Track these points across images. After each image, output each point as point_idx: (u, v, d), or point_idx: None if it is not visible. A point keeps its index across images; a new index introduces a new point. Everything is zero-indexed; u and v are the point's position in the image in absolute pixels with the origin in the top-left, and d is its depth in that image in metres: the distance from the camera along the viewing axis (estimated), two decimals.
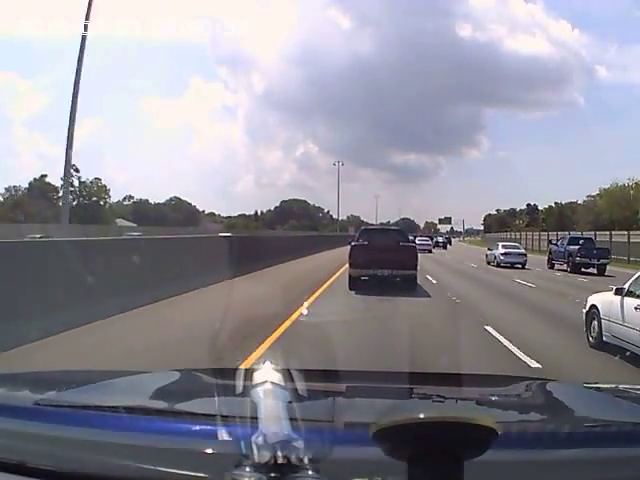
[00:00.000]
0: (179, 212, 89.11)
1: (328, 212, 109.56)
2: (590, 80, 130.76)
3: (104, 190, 70.17)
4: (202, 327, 7.24)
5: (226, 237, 20.35)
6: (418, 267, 14.23)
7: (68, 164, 14.44)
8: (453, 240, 79.97)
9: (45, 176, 67.17)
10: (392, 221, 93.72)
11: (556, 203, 72.12)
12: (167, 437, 1.11)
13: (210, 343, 5.50)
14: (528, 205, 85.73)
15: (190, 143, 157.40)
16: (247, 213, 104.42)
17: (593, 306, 7.58)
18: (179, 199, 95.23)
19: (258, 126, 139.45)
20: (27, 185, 67.37)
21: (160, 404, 1.51)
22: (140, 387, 1.74)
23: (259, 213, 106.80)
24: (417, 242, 23.83)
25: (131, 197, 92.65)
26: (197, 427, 1.16)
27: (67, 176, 14.25)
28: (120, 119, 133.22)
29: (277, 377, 1.04)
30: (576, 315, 8.36)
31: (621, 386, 1.90)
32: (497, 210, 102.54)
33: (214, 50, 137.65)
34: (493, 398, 1.81)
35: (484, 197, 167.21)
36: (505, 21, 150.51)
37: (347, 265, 14.44)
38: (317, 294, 12.49)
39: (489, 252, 28.52)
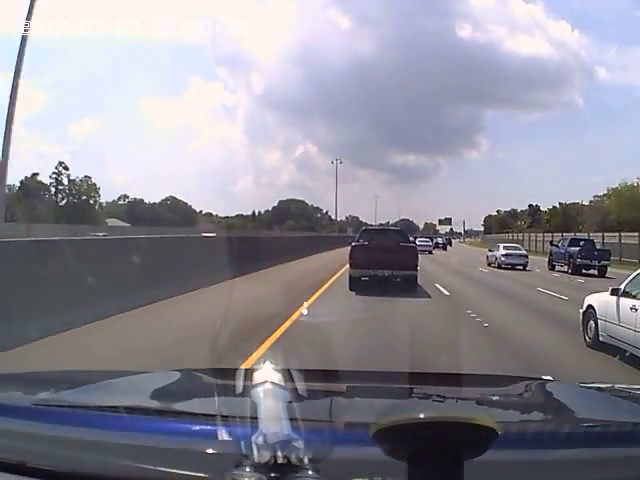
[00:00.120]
0: (175, 212, 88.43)
1: (327, 213, 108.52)
2: (590, 81, 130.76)
3: (94, 189, 68.95)
4: (204, 326, 7.26)
5: (209, 237, 20.07)
6: (426, 274, 14.10)
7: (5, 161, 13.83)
8: (453, 241, 79.90)
9: (37, 174, 66.48)
10: (391, 222, 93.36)
11: (560, 204, 70.96)
12: (167, 437, 1.11)
13: (211, 342, 5.52)
14: (530, 206, 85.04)
15: (189, 143, 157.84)
16: (245, 213, 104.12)
17: (590, 306, 7.67)
18: (175, 199, 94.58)
19: (257, 126, 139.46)
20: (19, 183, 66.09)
21: (160, 404, 1.51)
22: (140, 387, 1.74)
23: (257, 213, 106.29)
24: (418, 243, 23.82)
25: (126, 197, 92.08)
26: (197, 427, 1.16)
27: (3, 169, 13.47)
28: (119, 119, 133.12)
29: (277, 377, 1.04)
30: None
31: (619, 386, 1.90)
32: (497, 211, 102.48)
33: (213, 50, 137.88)
34: (493, 398, 1.81)
35: (484, 198, 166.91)
36: (505, 22, 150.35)
37: (347, 266, 14.43)
38: (316, 296, 12.47)
39: (490, 253, 28.48)
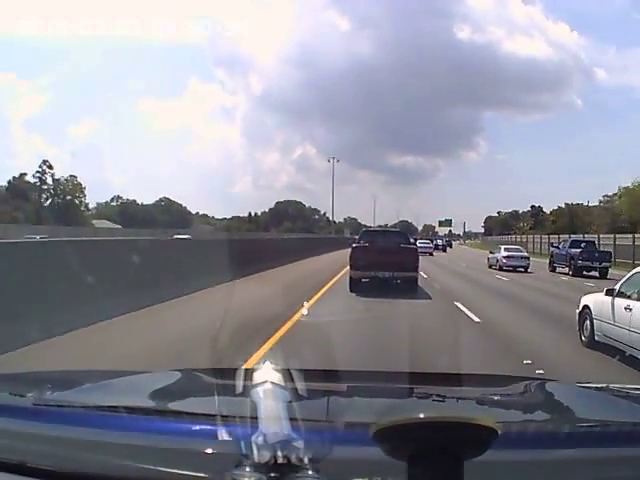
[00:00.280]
0: (169, 214, 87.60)
1: (324, 214, 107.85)
2: (589, 82, 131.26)
3: (79, 188, 66.93)
4: (205, 325, 7.32)
5: (185, 240, 19.22)
6: (439, 285, 13.72)
7: None
8: (453, 243, 79.75)
9: (25, 174, 65.09)
10: (390, 224, 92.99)
11: (567, 204, 69.70)
12: (167, 437, 1.11)
13: (212, 341, 5.56)
14: (532, 207, 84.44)
15: (187, 145, 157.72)
16: (241, 215, 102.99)
17: (586, 306, 7.81)
18: (169, 200, 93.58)
19: (256, 128, 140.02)
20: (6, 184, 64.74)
21: (160, 404, 1.51)
22: (140, 387, 1.74)
23: (253, 215, 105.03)
24: (418, 245, 23.81)
25: (120, 198, 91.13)
26: (197, 427, 1.16)
27: None
28: (116, 120, 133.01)
29: (277, 377, 1.04)
30: None
31: (619, 386, 1.90)
32: (498, 212, 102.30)
33: (212, 51, 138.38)
34: (493, 398, 1.81)
35: (483, 200, 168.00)
36: (504, 23, 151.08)
37: (347, 268, 14.41)
38: (315, 299, 12.46)
39: (491, 255, 28.40)
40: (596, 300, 7.57)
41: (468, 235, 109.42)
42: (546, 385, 1.88)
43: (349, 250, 14.62)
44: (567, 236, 36.60)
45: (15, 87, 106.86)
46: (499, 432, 0.87)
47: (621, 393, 1.83)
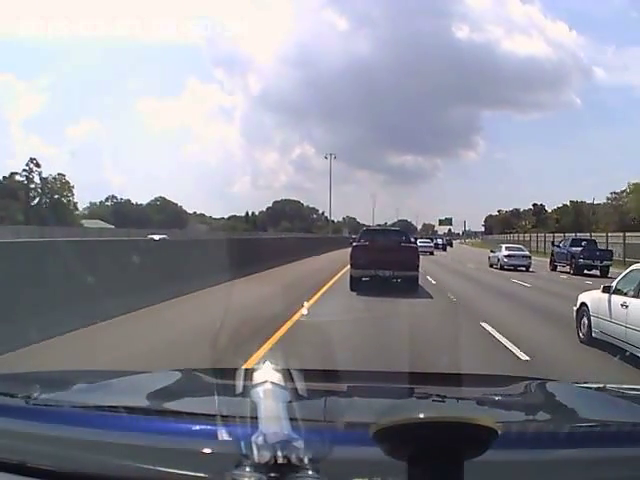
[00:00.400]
0: (164, 213, 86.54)
1: (323, 213, 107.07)
2: (587, 81, 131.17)
3: (67, 187, 64.66)
4: (205, 325, 7.35)
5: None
6: (450, 295, 13.36)
7: None
8: (454, 242, 79.63)
9: (15, 174, 63.12)
10: (389, 223, 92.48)
11: (572, 202, 68.59)
12: (167, 437, 1.11)
13: (212, 341, 5.57)
14: (534, 205, 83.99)
15: (186, 145, 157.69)
16: (239, 214, 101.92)
17: (583, 304, 7.91)
18: (164, 199, 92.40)
19: (254, 128, 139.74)
20: None
21: (160, 404, 1.51)
22: (140, 387, 1.74)
23: (250, 214, 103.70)
24: (419, 244, 23.78)
25: (115, 197, 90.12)
26: (197, 427, 1.16)
27: None
28: (114, 120, 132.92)
29: (277, 377, 1.04)
30: None
31: (619, 386, 1.90)
32: (499, 211, 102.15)
33: (211, 51, 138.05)
34: (493, 398, 1.81)
35: (483, 199, 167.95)
36: (502, 22, 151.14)
37: (347, 268, 14.41)
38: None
39: (492, 254, 28.31)
40: (593, 297, 7.68)
41: (468, 234, 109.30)
42: (546, 385, 1.88)
43: (349, 250, 14.62)
44: (573, 234, 35.79)
45: (14, 87, 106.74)
46: (499, 432, 0.87)
47: (621, 393, 1.83)
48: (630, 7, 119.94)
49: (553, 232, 49.71)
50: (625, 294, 6.78)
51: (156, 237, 20.00)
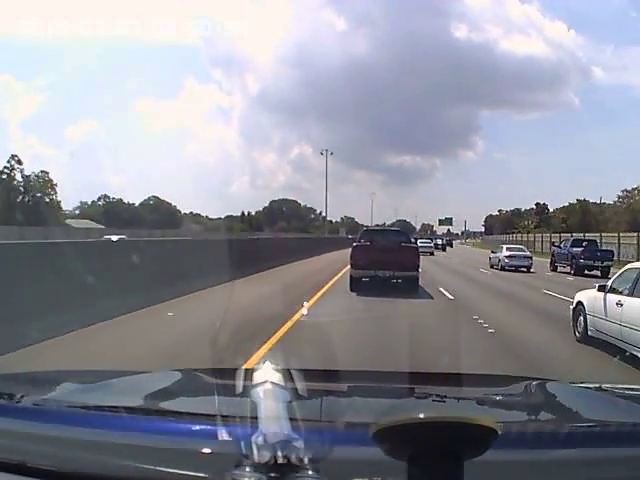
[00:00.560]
0: (157, 213, 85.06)
1: (320, 213, 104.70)
2: (586, 81, 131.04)
3: (50, 185, 61.50)
4: (205, 325, 7.34)
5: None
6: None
7: None
8: (454, 242, 79.50)
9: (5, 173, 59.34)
10: (388, 223, 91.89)
11: (579, 200, 67.24)
12: (167, 437, 1.11)
13: (211, 341, 5.58)
14: (537, 204, 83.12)
15: (184, 145, 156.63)
16: (235, 214, 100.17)
17: (579, 302, 8.00)
18: (158, 199, 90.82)
19: (252, 128, 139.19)
20: None
21: (160, 404, 1.51)
22: (140, 387, 1.74)
23: (247, 214, 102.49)
24: (419, 244, 23.76)
25: (107, 197, 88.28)
26: (197, 427, 1.16)
27: None
28: (112, 120, 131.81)
29: (277, 377, 1.04)
30: None
31: (619, 386, 1.90)
32: (499, 211, 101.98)
33: (209, 51, 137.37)
34: (493, 398, 1.81)
35: (482, 199, 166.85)
36: (501, 22, 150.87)
37: (346, 268, 14.39)
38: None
39: (492, 255, 28.22)
40: (589, 296, 7.77)
41: (468, 234, 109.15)
42: (546, 385, 1.88)
43: (349, 250, 14.62)
44: (582, 235, 34.41)
45: (13, 87, 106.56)
46: (499, 432, 0.87)
47: (620, 393, 1.83)
48: (629, 7, 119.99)
49: (559, 232, 47.48)
50: (620, 293, 6.87)
51: (114, 238, 19.57)
